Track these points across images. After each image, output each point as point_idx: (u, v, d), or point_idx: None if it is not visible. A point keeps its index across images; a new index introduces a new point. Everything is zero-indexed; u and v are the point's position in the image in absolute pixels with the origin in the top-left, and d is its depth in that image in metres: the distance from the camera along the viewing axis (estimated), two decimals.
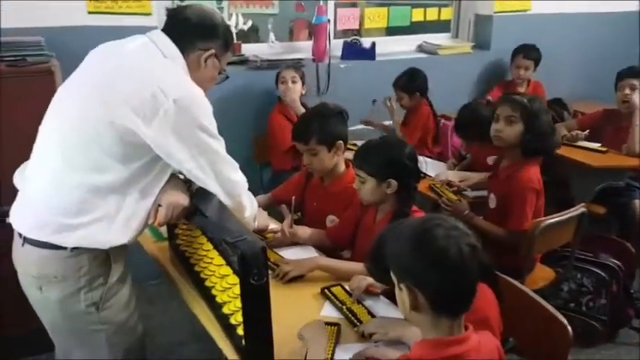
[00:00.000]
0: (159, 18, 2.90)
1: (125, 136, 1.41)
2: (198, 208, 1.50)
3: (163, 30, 1.56)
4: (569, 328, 1.54)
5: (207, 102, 1.50)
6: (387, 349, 1.43)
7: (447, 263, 1.08)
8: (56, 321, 1.55)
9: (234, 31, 3.05)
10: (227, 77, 1.71)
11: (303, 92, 3.11)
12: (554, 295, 2.64)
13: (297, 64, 3.19)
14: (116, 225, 1.47)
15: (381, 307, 1.64)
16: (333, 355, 1.42)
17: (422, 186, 2.61)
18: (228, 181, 1.58)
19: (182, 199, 1.58)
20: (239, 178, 1.64)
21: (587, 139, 3.18)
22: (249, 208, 1.71)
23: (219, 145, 1.55)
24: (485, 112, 2.72)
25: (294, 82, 3.05)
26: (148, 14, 2.87)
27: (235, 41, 3.07)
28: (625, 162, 2.97)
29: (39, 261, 1.47)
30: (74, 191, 1.43)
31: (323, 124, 2.16)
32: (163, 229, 1.90)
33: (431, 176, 2.80)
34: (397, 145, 1.96)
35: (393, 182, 1.87)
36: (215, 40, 1.58)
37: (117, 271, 1.54)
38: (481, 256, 1.14)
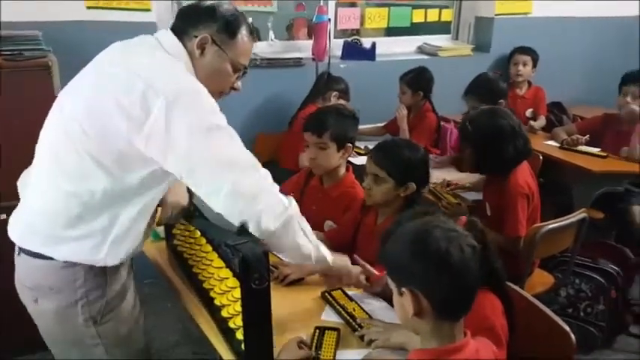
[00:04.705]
0: (158, 14, 2.87)
1: (116, 144, 1.29)
2: (197, 208, 1.47)
3: (172, 28, 1.47)
4: (573, 335, 1.53)
5: (207, 96, 1.35)
6: (388, 353, 1.41)
7: (450, 264, 1.07)
8: (53, 333, 1.48)
9: None
10: (245, 72, 1.53)
11: None
12: (552, 300, 2.65)
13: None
14: (108, 244, 1.37)
15: (383, 312, 1.61)
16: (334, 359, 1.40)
17: None
18: (237, 186, 1.31)
19: (182, 199, 1.54)
20: (254, 182, 1.35)
21: (587, 143, 3.17)
22: (290, 231, 1.41)
23: (225, 139, 1.33)
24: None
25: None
26: (147, 10, 2.83)
27: None
28: (625, 167, 2.96)
29: (34, 271, 1.40)
30: (64, 201, 1.33)
31: (340, 121, 2.16)
32: (160, 229, 1.88)
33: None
34: (416, 148, 1.93)
35: (412, 186, 1.84)
36: (209, 24, 1.43)
37: (117, 282, 1.46)
38: (491, 260, 1.14)
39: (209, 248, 1.56)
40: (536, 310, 1.63)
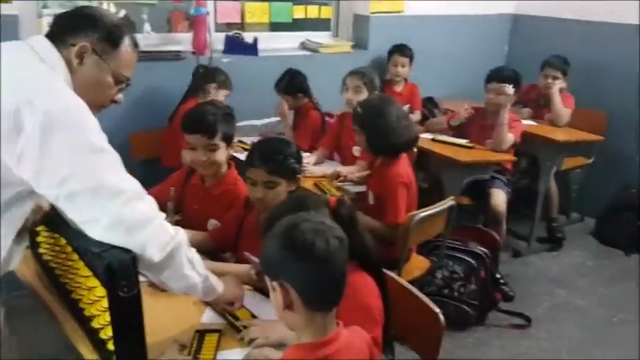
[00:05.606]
0: (22, 7, 2.66)
1: None
2: (59, 214, 1.37)
3: (46, 35, 1.36)
4: (441, 316, 1.63)
5: (89, 114, 1.26)
6: (269, 350, 1.43)
7: (315, 257, 1.09)
8: None
9: None
10: (128, 85, 1.47)
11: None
12: (429, 283, 2.79)
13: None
14: None
15: (265, 309, 1.60)
16: None
17: (307, 183, 2.65)
18: (120, 217, 1.22)
19: (44, 203, 1.43)
20: (138, 212, 1.26)
21: (456, 135, 3.38)
22: (175, 263, 1.32)
23: (109, 164, 1.26)
24: None
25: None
26: (7, 2, 2.61)
27: None
28: (489, 157, 3.21)
29: None
30: None
31: (228, 120, 2.14)
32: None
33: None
34: (287, 141, 2.03)
35: (298, 177, 1.91)
36: (89, 32, 1.34)
37: None
38: (362, 237, 1.23)
39: (75, 257, 1.47)
40: (408, 294, 1.72)
